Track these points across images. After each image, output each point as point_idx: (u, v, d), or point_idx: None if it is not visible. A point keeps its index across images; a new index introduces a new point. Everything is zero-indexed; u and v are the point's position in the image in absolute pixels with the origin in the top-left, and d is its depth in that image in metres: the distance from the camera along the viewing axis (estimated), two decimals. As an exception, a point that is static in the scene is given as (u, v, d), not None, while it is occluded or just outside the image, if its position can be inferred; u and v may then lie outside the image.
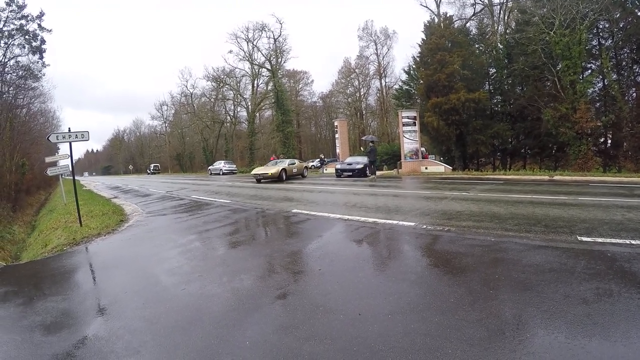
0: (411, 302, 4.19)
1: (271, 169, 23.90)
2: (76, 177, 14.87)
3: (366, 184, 19.12)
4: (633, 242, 6.12)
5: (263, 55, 48.94)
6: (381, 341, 3.38)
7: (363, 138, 36.19)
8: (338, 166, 26.92)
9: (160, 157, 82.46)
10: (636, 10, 29.35)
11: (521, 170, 26.22)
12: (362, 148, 30.05)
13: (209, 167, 47.12)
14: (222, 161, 46.25)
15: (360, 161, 26.19)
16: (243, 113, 57.41)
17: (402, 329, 3.58)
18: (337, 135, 35.48)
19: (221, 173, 41.84)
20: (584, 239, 6.44)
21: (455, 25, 35.53)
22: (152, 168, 71.75)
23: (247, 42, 48.95)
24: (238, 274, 5.47)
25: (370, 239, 7.38)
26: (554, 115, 27.15)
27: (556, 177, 19.34)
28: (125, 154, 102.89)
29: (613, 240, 6.25)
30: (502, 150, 33.98)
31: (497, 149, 34.14)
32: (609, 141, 30.89)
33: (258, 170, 24.63)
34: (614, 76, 29.88)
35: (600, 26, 30.73)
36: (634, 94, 30.37)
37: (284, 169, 23.98)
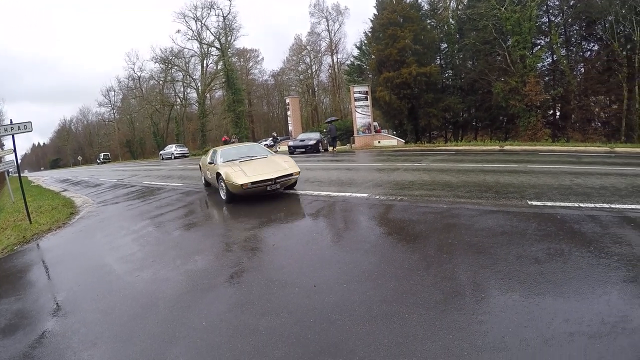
0: (366, 271, 4.24)
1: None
2: (33, 173, 13.66)
3: (319, 159, 18.72)
4: (582, 205, 6.33)
5: (212, 34, 46.68)
6: (338, 311, 3.42)
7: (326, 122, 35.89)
8: (291, 143, 26.29)
9: (110, 145, 78.53)
10: (587, -12, 29.89)
11: (472, 142, 26.61)
12: (324, 130, 29.78)
13: (161, 152, 44.97)
14: (174, 145, 44.22)
15: (312, 137, 25.72)
16: (193, 94, 55.11)
17: (358, 298, 3.64)
18: (289, 113, 34.79)
19: (173, 157, 40.15)
20: (534, 203, 6.63)
21: (407, 1, 35.09)
22: (101, 157, 68.12)
23: (196, 21, 46.55)
24: (192, 256, 5.45)
25: (324, 211, 7.36)
26: (504, 88, 27.65)
27: (506, 147, 19.58)
28: (74, 145, 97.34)
29: (562, 204, 6.44)
30: (454, 123, 34.68)
31: (448, 121, 34.78)
32: (558, 113, 32.02)
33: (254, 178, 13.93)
34: (563, 52, 30.71)
35: (551, 3, 31.49)
36: (582, 69, 31.36)
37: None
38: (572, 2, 30.42)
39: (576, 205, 6.32)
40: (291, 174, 8.60)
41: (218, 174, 8.90)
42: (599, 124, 29.98)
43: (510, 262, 4.14)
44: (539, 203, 6.57)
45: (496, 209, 6.33)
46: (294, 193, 9.14)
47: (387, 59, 31.68)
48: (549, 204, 6.49)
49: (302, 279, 4.19)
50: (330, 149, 24.73)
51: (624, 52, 28.38)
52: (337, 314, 3.36)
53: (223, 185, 8.63)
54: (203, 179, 11.58)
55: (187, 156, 40.72)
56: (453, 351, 2.78)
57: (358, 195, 8.26)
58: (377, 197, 7.90)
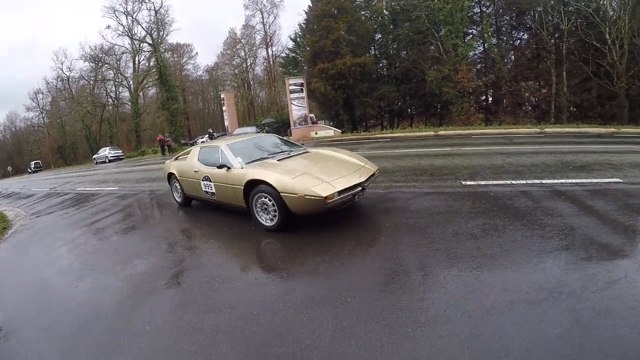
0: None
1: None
2: None
3: None
4: (514, 182, 6.63)
5: (144, 29, 44.52)
6: (281, 301, 3.44)
7: (263, 122, 34.87)
8: None
9: (41, 152, 73.41)
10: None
11: (408, 129, 26.80)
12: (261, 123, 29.07)
13: (94, 156, 42.33)
14: (107, 148, 41.57)
15: (248, 131, 25.33)
16: (125, 94, 51.97)
17: (300, 286, 3.68)
18: (224, 108, 34.09)
19: (107, 160, 37.82)
20: (468, 182, 6.89)
21: None
22: (32, 166, 63.56)
23: (127, 16, 44.11)
24: (131, 260, 5.27)
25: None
26: (437, 76, 28.19)
27: (441, 132, 19.76)
28: (2, 155, 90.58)
29: (495, 182, 6.72)
30: (389, 111, 35.28)
31: (384, 110, 35.23)
32: (490, 98, 33.18)
33: (338, 184, 5.54)
34: (494, 40, 32.14)
35: None
36: (513, 56, 32.96)
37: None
38: None
39: (508, 182, 6.62)
40: (373, 173, 5.66)
41: (251, 184, 5.30)
42: (530, 107, 31.69)
43: (447, 240, 4.31)
44: (472, 183, 6.84)
45: (431, 191, 6.52)
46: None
47: (322, 50, 31.45)
48: (482, 182, 6.77)
49: (243, 273, 4.22)
50: None
51: (552, 40, 29.92)
52: (280, 305, 3.39)
53: (270, 203, 5.11)
54: (178, 192, 7.78)
55: (122, 158, 38.61)
56: (397, 329, 2.86)
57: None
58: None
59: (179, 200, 7.88)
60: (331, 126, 29.49)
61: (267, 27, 54.30)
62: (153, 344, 3.17)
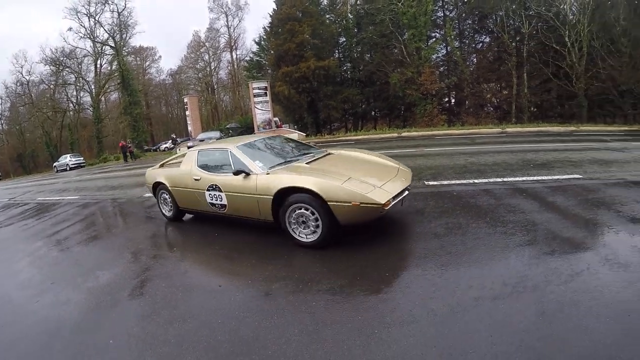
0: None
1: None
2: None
3: None
4: (476, 181, 6.74)
5: (106, 32, 43.16)
6: (245, 308, 3.39)
7: (227, 126, 34.35)
8: (190, 144, 24.44)
9: None
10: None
11: (372, 131, 27.34)
12: (221, 130, 28.60)
13: (55, 164, 40.89)
14: (68, 155, 40.20)
15: (212, 136, 24.59)
16: (87, 98, 50.09)
17: (264, 292, 3.62)
18: (187, 112, 33.23)
19: (68, 168, 36.75)
20: (431, 182, 6.97)
21: None
22: (-10, 176, 61.22)
23: (89, 17, 42.77)
24: (93, 272, 5.04)
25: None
26: (400, 79, 28.41)
27: (404, 134, 19.89)
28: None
29: (458, 182, 6.82)
30: (353, 114, 35.19)
31: (348, 113, 35.14)
32: (453, 100, 33.81)
33: (390, 189, 4.57)
34: (457, 43, 32.54)
35: None
36: (475, 59, 33.65)
37: None
38: None
39: (471, 181, 6.73)
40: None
41: (283, 194, 4.45)
42: (492, 108, 32.40)
43: (411, 240, 4.40)
44: (435, 182, 6.93)
45: (395, 192, 6.68)
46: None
47: (286, 53, 31.18)
48: (445, 182, 6.86)
49: (207, 281, 4.15)
50: None
51: (513, 44, 30.76)
52: (245, 311, 3.34)
53: (310, 214, 4.29)
54: (168, 205, 6.58)
55: (84, 166, 37.57)
56: (364, 331, 2.84)
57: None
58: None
59: (168, 214, 6.68)
60: (295, 129, 29.32)
61: (232, 31, 53.89)
62: (117, 358, 3.08)
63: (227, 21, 53.33)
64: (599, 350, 2.53)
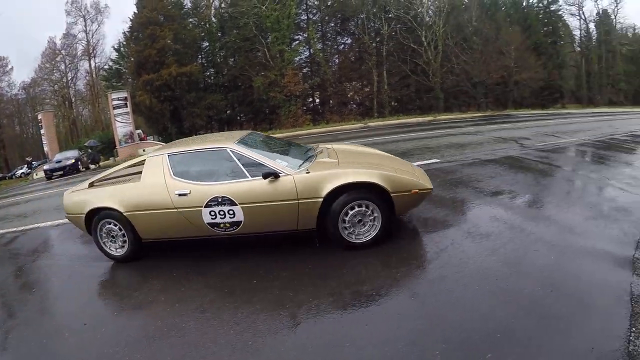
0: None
1: None
2: None
3: (80, 180, 15.67)
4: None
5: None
6: (114, 343, 3.02)
7: (86, 144, 31.49)
8: (46, 167, 21.95)
9: None
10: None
11: None
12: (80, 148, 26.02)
13: None
14: None
15: (70, 156, 22.24)
16: None
17: (133, 322, 3.34)
18: (42, 131, 30.26)
19: None
20: None
21: None
22: None
23: None
24: None
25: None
26: (264, 82, 28.56)
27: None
28: None
29: None
30: (219, 120, 34.58)
31: (213, 119, 34.41)
32: (317, 100, 34.52)
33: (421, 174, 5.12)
34: (320, 45, 33.43)
35: (310, 3, 34.00)
36: (337, 59, 34.98)
37: None
38: (330, 2, 33.71)
39: None
40: None
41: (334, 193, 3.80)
42: (354, 106, 33.74)
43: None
44: None
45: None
46: (52, 225, 7.13)
47: (147, 60, 29.75)
48: None
49: (71, 319, 3.57)
50: (92, 166, 22.77)
51: (373, 44, 32.48)
52: (114, 346, 2.94)
53: (368, 211, 3.84)
54: (120, 240, 4.48)
55: None
56: (238, 345, 2.71)
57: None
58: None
59: (119, 253, 4.54)
60: (160, 141, 28.06)
61: (90, 36, 48.32)
62: None
63: (85, 25, 47.93)
64: (474, 318, 2.72)
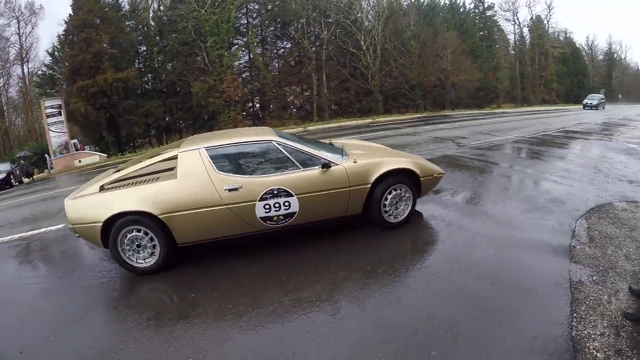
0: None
1: None
2: None
3: (12, 195, 14.91)
4: None
5: None
6: None
7: (19, 155, 29.80)
8: None
9: None
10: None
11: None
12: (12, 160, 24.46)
13: None
14: None
15: (2, 169, 20.57)
16: None
17: (73, 347, 2.96)
18: None
19: None
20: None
21: (107, 0, 32.32)
22: None
23: None
24: None
25: (38, 258, 5.27)
26: (202, 87, 28.17)
27: None
28: None
29: None
30: (157, 127, 33.35)
31: (152, 127, 33.28)
32: (257, 105, 34.36)
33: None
34: (259, 50, 33.58)
35: (250, 7, 33.66)
36: (277, 64, 35.20)
37: None
38: (270, 6, 33.65)
39: None
40: None
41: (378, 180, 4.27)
42: (295, 110, 34.13)
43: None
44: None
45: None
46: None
47: (82, 65, 28.31)
48: None
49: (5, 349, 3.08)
50: (26, 179, 21.29)
51: (313, 49, 32.83)
52: None
53: (404, 194, 4.41)
54: (148, 249, 3.94)
55: None
56: None
57: (54, 227, 6.42)
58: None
59: (148, 264, 3.99)
60: (96, 151, 26.88)
61: (24, 39, 44.52)
62: None
63: (18, 28, 45.26)
64: (417, 317, 2.81)
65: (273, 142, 4.14)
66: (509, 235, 4.22)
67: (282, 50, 35.27)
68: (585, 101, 36.30)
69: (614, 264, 3.58)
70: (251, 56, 32.24)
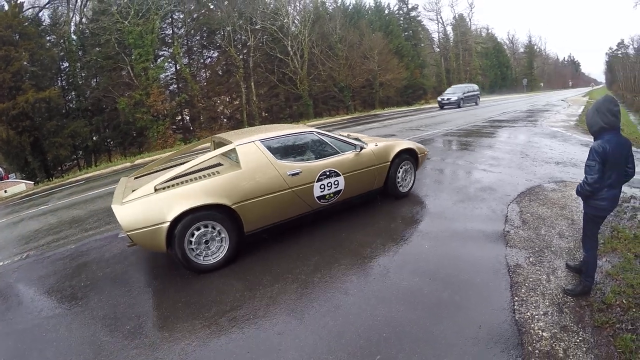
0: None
1: None
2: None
3: None
4: None
5: None
6: None
7: None
8: None
9: None
10: (209, 3, 33.53)
11: (103, 164, 24.43)
12: None
13: None
14: None
15: None
16: None
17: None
18: None
19: None
20: None
21: (28, 14, 30.71)
22: None
23: None
24: None
25: None
26: (129, 103, 27.47)
27: (138, 161, 19.34)
28: None
29: None
30: (85, 149, 31.20)
31: (79, 148, 31.42)
32: (187, 117, 34.00)
33: None
34: (186, 60, 33.03)
35: (175, 16, 33.05)
36: (204, 74, 34.85)
37: None
38: (195, 15, 33.26)
39: None
40: None
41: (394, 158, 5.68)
42: (225, 119, 33.95)
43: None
44: None
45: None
46: None
47: (1, 86, 26.53)
48: None
49: None
50: None
51: (240, 56, 32.92)
52: None
53: (410, 168, 5.95)
54: (217, 242, 4.06)
55: None
56: None
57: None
58: (6, 262, 5.62)
59: (216, 259, 4.05)
60: (23, 178, 25.35)
61: None
62: None
63: None
64: (357, 322, 2.81)
65: (314, 132, 5.02)
66: (443, 227, 4.33)
67: (209, 59, 35.03)
68: (440, 98, 28.02)
69: (548, 244, 3.72)
70: (178, 67, 31.68)
